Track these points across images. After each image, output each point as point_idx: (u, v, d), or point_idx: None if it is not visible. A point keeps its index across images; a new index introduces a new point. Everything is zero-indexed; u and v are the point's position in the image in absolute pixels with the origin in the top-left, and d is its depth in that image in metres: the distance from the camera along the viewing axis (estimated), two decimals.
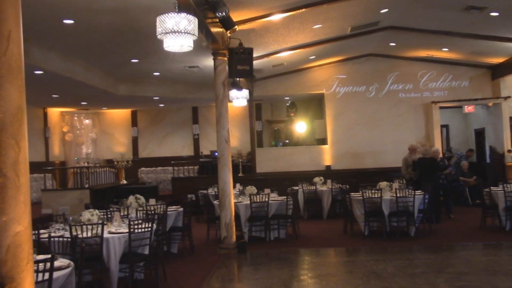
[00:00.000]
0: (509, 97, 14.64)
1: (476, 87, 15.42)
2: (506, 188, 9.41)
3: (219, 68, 8.55)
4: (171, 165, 16.50)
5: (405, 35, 12.64)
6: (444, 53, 14.28)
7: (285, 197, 9.70)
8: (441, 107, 15.22)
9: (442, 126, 16.17)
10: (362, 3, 9.64)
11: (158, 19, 5.42)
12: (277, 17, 9.10)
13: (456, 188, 13.52)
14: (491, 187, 9.89)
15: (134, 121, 19.37)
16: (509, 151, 14.49)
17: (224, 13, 7.27)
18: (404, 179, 11.73)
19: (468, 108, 15.17)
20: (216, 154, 9.00)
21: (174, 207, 8.74)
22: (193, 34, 5.42)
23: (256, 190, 9.88)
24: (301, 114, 18.46)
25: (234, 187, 10.61)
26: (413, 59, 15.26)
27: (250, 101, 13.79)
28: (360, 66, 15.60)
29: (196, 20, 5.66)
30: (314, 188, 12.28)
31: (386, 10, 10.52)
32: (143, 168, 17.53)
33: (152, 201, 8.55)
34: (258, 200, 9.26)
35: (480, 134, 16.44)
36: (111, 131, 19.37)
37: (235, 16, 8.32)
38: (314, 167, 15.24)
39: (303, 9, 8.98)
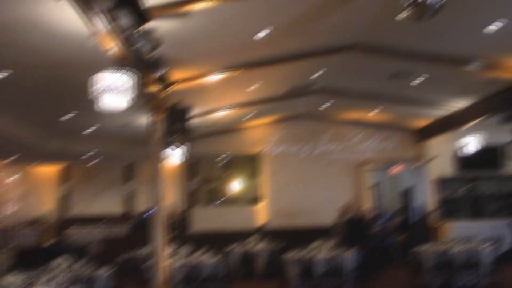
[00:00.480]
0: (433, 158, 15.45)
1: (403, 148, 16.19)
2: (432, 247, 9.77)
3: (155, 126, 8.54)
4: (103, 224, 15.95)
5: (337, 98, 13.22)
6: (373, 116, 14.99)
7: (220, 256, 9.58)
8: (370, 168, 15.80)
9: (371, 186, 16.72)
10: (298, 66, 10.05)
11: (94, 77, 5.41)
12: (216, 77, 9.29)
13: (385, 247, 13.84)
14: (418, 246, 10.23)
15: (65, 178, 18.71)
16: (433, 210, 15.13)
17: (162, 72, 7.36)
18: (337, 238, 11.92)
19: (396, 169, 15.86)
20: (150, 212, 8.82)
21: (104, 268, 8.39)
22: (130, 93, 5.44)
23: (190, 250, 9.71)
24: (237, 172, 18.50)
25: (168, 246, 10.35)
26: (345, 120, 15.90)
27: (186, 159, 13.73)
28: (295, 126, 16.05)
29: (134, 78, 5.69)
30: (249, 247, 12.20)
31: (321, 73, 11.01)
32: (73, 227, 16.80)
33: (82, 262, 8.19)
34: (192, 261, 9.08)
35: (407, 194, 17.10)
36: (41, 187, 18.58)
37: (174, 75, 8.43)
38: (249, 226, 15.20)
39: (242, 70, 9.25)
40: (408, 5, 5.36)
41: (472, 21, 7.49)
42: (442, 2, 5.29)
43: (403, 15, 5.48)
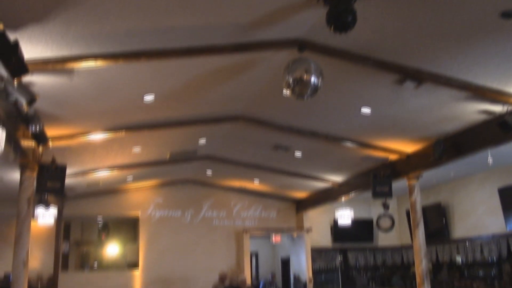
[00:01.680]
0: (310, 229, 15.95)
1: (283, 218, 16.57)
2: None
3: (26, 184, 7.96)
4: None
5: (221, 165, 13.33)
6: (255, 185, 15.28)
7: None
8: (251, 236, 15.91)
9: (251, 254, 16.79)
10: (183, 132, 10.05)
11: None
12: (97, 137, 8.96)
13: None
14: None
15: None
16: (310, 279, 15.46)
17: (37, 128, 6.96)
18: None
19: (276, 238, 16.14)
20: (12, 276, 8.03)
21: None
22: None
23: None
24: (114, 236, 17.67)
25: None
26: (227, 188, 16.01)
27: (58, 219, 12.93)
28: (177, 191, 15.82)
29: (4, 132, 5.34)
30: None
31: (204, 141, 11.10)
32: None
33: None
34: None
35: (285, 263, 17.37)
36: None
37: (50, 131, 8.01)
38: None
39: (124, 132, 9.02)
40: (291, 83, 5.63)
41: (346, 104, 8.08)
42: (320, 83, 5.64)
43: (286, 92, 5.75)
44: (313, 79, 5.62)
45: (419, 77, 6.54)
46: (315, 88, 5.72)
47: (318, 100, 7.27)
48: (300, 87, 5.68)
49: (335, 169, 12.38)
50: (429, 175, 11.07)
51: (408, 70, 6.40)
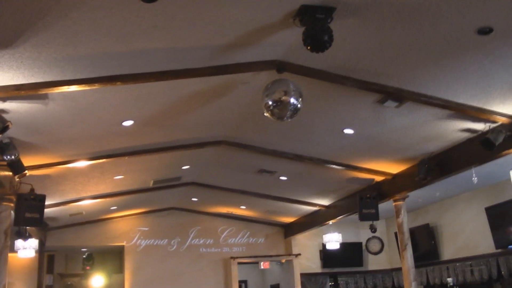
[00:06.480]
0: (299, 254, 15.72)
1: (271, 244, 16.33)
2: None
3: (2, 215, 7.76)
4: None
5: (206, 192, 13.16)
6: (242, 211, 15.08)
7: None
8: (239, 263, 15.63)
9: (240, 281, 16.47)
10: (165, 158, 9.89)
11: None
12: (76, 165, 8.78)
13: None
14: None
15: None
16: None
17: (13, 157, 6.79)
18: None
19: (264, 264, 15.88)
20: None
21: None
22: None
23: None
24: (99, 267, 17.26)
25: None
26: (214, 214, 15.79)
27: (40, 252, 12.62)
28: (163, 219, 15.56)
29: None
30: None
31: (187, 167, 10.95)
32: None
33: None
34: None
35: None
36: None
37: (27, 161, 7.82)
38: None
39: (104, 159, 8.85)
40: (271, 104, 5.54)
41: (328, 125, 8.01)
42: (300, 104, 5.55)
43: (266, 113, 5.66)
44: (292, 100, 5.53)
45: (400, 96, 6.49)
46: (295, 109, 5.63)
47: (300, 122, 7.23)
48: (280, 108, 5.59)
49: (321, 192, 12.25)
50: (416, 196, 11.01)
51: (388, 89, 6.35)
